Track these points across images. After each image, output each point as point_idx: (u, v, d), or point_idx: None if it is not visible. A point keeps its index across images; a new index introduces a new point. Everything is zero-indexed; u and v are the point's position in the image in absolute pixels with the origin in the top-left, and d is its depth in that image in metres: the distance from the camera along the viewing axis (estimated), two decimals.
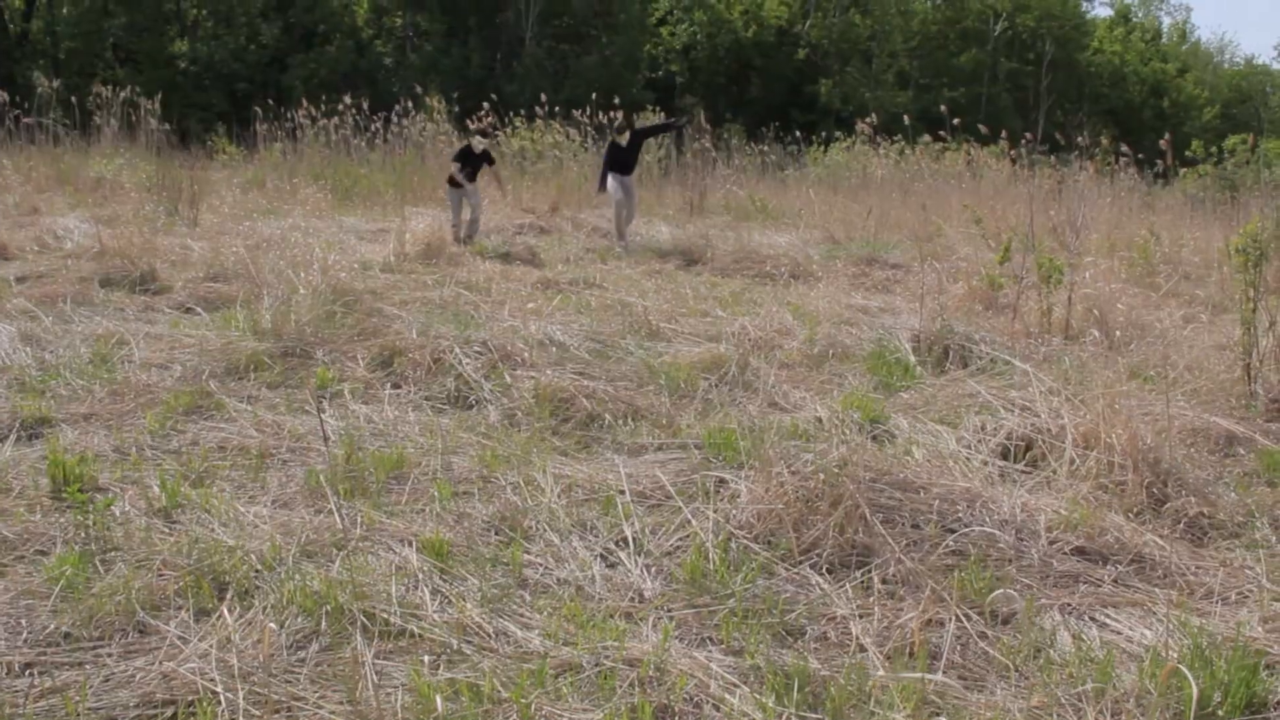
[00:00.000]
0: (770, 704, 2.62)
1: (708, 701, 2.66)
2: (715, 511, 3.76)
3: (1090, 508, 3.88)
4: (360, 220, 12.17)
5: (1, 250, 8.83)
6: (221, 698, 2.57)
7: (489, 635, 2.95)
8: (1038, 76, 36.98)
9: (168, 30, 29.97)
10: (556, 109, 17.28)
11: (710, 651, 2.92)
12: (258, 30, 29.38)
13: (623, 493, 3.96)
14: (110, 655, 2.78)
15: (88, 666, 2.73)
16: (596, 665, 2.78)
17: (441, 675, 2.73)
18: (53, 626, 2.89)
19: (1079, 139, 14.73)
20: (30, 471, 4.04)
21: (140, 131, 16.13)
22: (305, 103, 17.28)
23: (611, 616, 3.09)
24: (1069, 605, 3.29)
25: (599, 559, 3.48)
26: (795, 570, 3.43)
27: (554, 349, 6.02)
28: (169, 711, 2.55)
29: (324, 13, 30.24)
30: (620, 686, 2.70)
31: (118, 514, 3.64)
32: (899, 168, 17.52)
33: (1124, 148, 15.14)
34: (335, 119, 16.99)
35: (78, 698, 2.56)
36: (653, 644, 2.88)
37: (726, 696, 2.66)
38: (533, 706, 2.55)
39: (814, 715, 2.61)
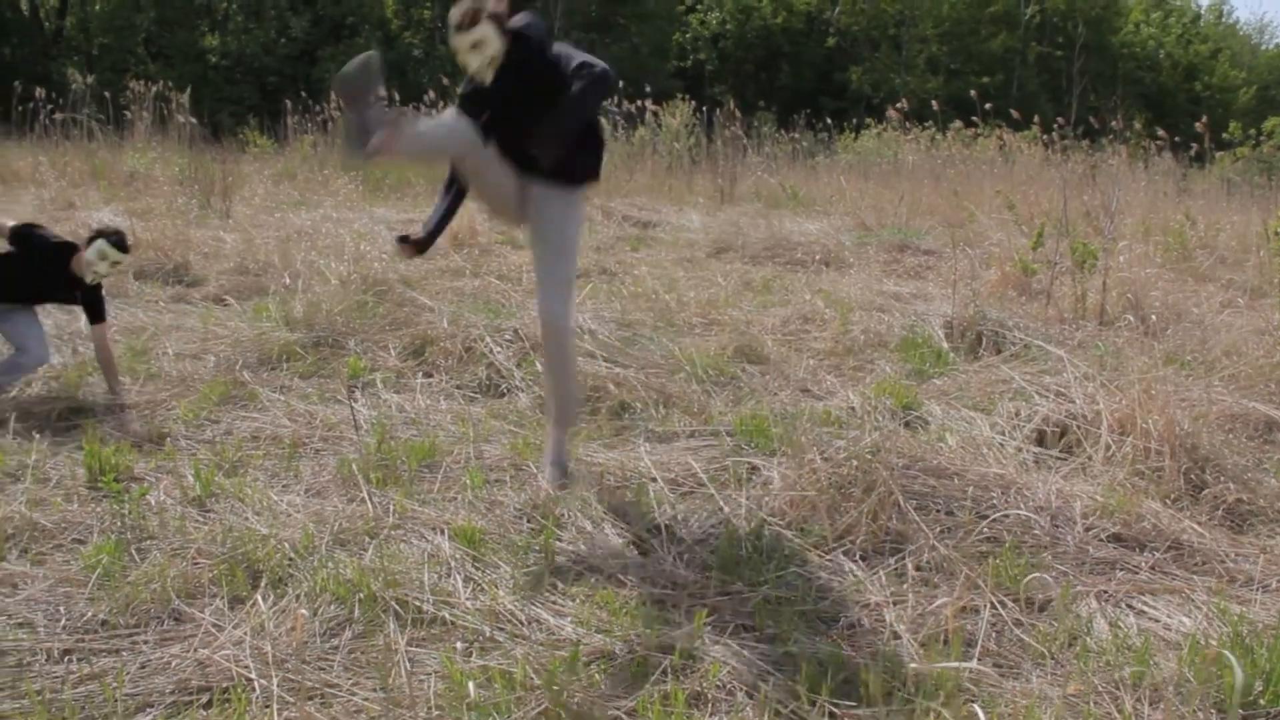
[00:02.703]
0: (804, 691, 2.60)
1: (741, 689, 2.65)
2: (747, 498, 3.75)
3: (1126, 494, 3.83)
4: (391, 211, 12.18)
5: None
6: (255, 684, 2.59)
7: (521, 623, 2.95)
8: (1070, 60, 36.51)
9: (198, 25, 30.21)
10: None
11: (743, 639, 2.90)
12: (287, 23, 29.53)
13: (654, 480, 3.95)
14: (146, 642, 2.80)
15: (124, 653, 2.75)
16: (629, 653, 2.78)
17: (474, 662, 2.73)
18: (90, 614, 2.92)
19: (1112, 123, 14.54)
20: (67, 462, 4.08)
21: (172, 126, 16.23)
22: (335, 95, 17.32)
23: (644, 604, 3.08)
24: (1105, 592, 3.25)
25: (631, 546, 3.48)
26: (828, 557, 3.41)
27: (585, 337, 6.01)
28: (204, 698, 2.57)
29: (352, 5, 30.37)
30: (653, 674, 2.69)
31: (153, 503, 3.67)
32: (930, 154, 17.36)
33: (1159, 131, 14.94)
34: None
35: (115, 684, 2.58)
36: (685, 631, 2.87)
37: (760, 684, 2.65)
38: (565, 694, 2.55)
39: (848, 703, 2.59)
